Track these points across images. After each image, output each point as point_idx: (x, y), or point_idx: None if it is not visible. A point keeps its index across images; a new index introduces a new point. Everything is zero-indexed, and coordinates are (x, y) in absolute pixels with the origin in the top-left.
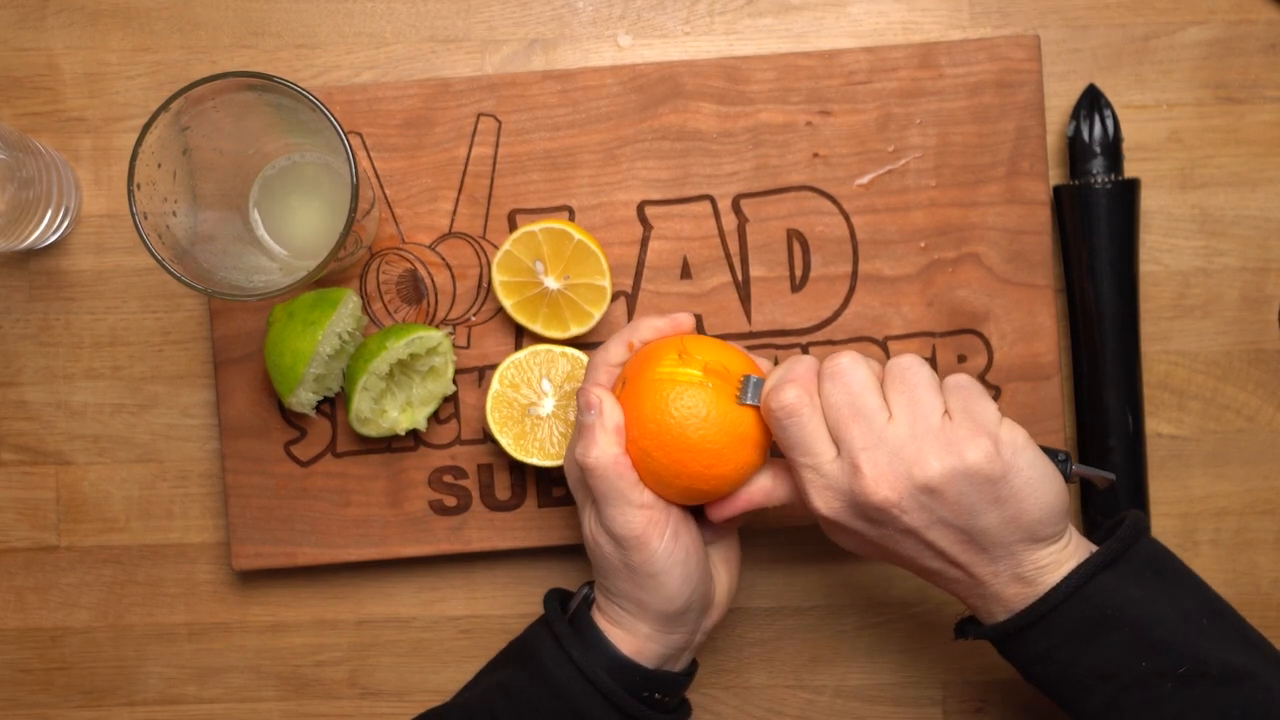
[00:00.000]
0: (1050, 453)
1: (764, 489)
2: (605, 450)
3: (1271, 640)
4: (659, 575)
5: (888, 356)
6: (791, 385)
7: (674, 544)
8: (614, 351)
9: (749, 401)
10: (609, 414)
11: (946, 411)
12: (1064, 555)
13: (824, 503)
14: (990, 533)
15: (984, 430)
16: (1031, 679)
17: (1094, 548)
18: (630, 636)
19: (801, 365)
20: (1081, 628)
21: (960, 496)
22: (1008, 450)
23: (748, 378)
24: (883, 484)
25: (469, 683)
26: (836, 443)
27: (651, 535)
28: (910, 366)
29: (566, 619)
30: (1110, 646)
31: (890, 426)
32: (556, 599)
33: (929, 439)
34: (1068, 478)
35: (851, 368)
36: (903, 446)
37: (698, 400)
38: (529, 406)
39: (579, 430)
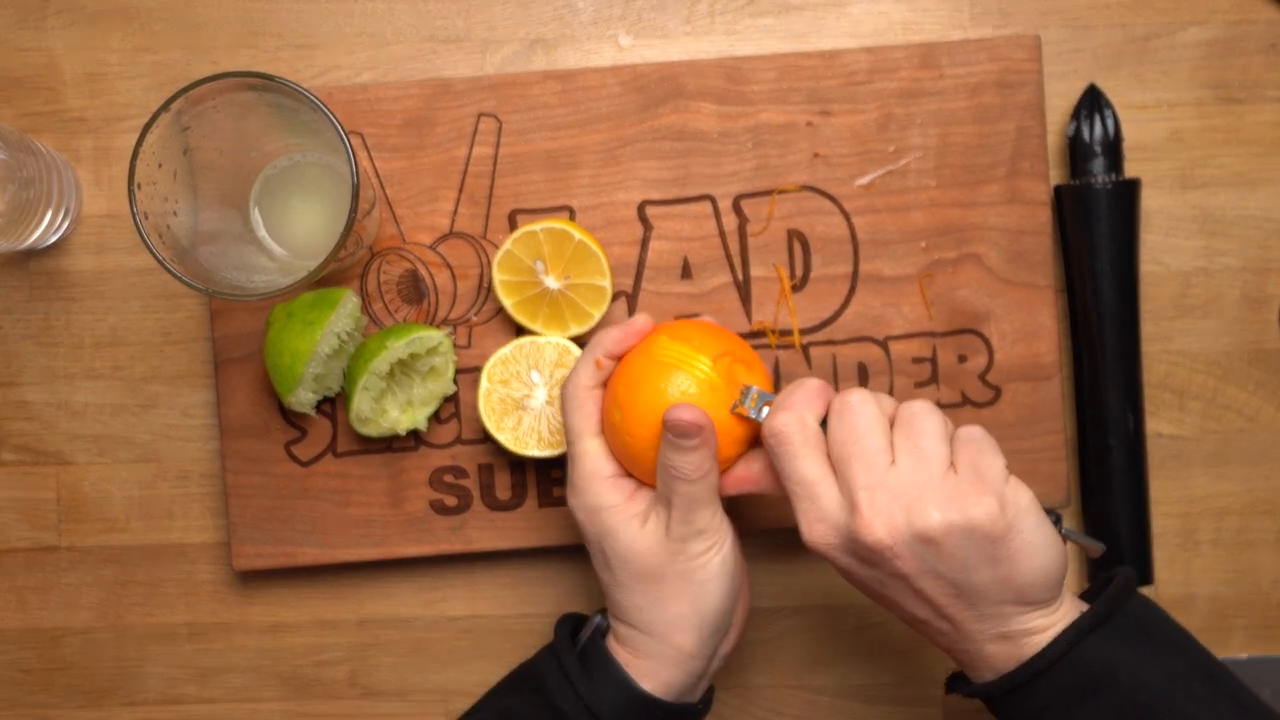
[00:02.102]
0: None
1: (755, 475)
2: (582, 376)
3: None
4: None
5: (888, 356)
6: (785, 412)
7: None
8: (586, 375)
9: (743, 409)
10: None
11: (953, 464)
12: (1053, 619)
13: (816, 534)
14: (981, 590)
15: (990, 488)
16: None
17: (1084, 608)
18: (648, 666)
19: (801, 391)
20: (1070, 692)
21: (957, 550)
22: (1012, 511)
23: (747, 389)
24: (879, 525)
25: (474, 707)
26: (837, 478)
27: (627, 508)
28: (919, 413)
29: (576, 651)
30: (1099, 710)
31: (892, 471)
32: (569, 626)
33: (931, 489)
34: None
35: (860, 405)
36: (904, 492)
37: (697, 389)
38: (522, 399)
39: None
